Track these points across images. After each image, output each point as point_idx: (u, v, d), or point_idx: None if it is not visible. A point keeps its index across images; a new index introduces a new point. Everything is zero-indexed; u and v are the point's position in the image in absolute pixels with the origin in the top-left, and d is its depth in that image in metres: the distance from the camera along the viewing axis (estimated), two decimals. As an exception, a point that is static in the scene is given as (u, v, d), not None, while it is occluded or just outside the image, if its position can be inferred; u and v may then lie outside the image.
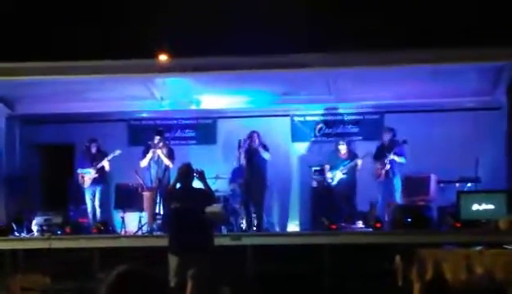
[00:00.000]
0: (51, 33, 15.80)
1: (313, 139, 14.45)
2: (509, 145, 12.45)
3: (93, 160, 13.04)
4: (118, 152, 12.92)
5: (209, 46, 13.84)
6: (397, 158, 12.57)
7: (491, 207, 11.16)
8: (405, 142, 12.51)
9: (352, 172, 12.96)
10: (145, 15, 16.19)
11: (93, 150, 13.14)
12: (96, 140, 13.25)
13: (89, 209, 13.03)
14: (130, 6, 16.05)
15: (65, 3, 16.02)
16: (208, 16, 15.66)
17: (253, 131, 12.75)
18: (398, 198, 12.62)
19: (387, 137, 12.85)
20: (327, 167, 13.10)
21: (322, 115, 14.46)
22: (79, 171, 13.16)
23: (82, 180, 13.05)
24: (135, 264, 2.77)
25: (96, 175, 13.00)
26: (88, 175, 12.98)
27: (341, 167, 12.94)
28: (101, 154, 13.11)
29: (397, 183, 12.67)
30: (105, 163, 12.98)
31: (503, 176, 12.53)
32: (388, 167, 12.59)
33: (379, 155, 12.77)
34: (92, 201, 13.05)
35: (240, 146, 12.71)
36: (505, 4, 14.56)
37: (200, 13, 15.65)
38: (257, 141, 12.65)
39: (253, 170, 12.64)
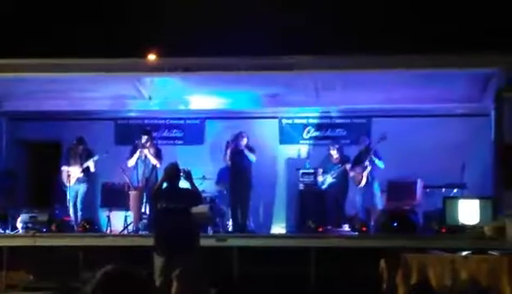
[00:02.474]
0: (40, 31, 15.75)
1: (301, 142, 14.45)
2: (496, 152, 12.49)
3: (79, 159, 12.98)
4: (98, 156, 12.93)
5: (199, 46, 13.84)
6: (376, 161, 12.61)
7: (476, 213, 11.19)
8: (384, 138, 12.50)
9: (342, 177, 12.98)
10: (136, 15, 16.17)
11: (79, 150, 13.07)
12: (84, 141, 13.17)
13: (71, 208, 12.92)
14: (121, 5, 16.02)
15: (56, 2, 15.98)
16: (199, 17, 15.65)
17: (241, 132, 12.80)
18: (378, 203, 12.66)
19: (364, 144, 12.90)
20: (320, 170, 13.12)
21: (310, 118, 14.47)
22: (64, 167, 13.07)
23: (67, 179, 12.95)
24: (120, 263, 2.76)
25: (81, 175, 12.95)
26: (73, 173, 12.90)
27: (332, 172, 12.97)
28: (87, 153, 13.06)
29: (377, 188, 12.73)
30: (91, 164, 12.95)
31: (489, 183, 12.56)
32: (369, 169, 12.63)
33: (358, 161, 12.81)
34: (74, 199, 12.97)
35: (227, 147, 12.77)
36: (494, 11, 14.65)
37: (191, 13, 15.64)
38: (244, 142, 12.71)
39: (238, 171, 12.69)
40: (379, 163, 12.65)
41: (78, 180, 12.97)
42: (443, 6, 15.45)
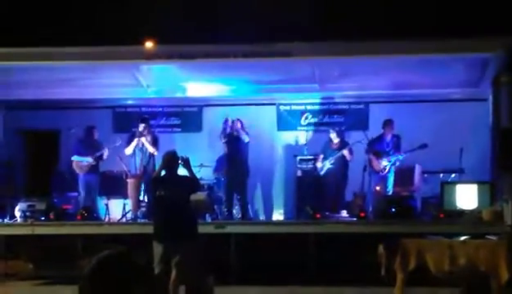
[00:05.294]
0: (37, 18, 15.72)
1: (299, 128, 14.44)
2: (494, 137, 12.50)
3: (91, 148, 12.94)
4: (119, 142, 12.91)
5: (196, 33, 13.82)
6: (401, 157, 12.54)
7: (474, 197, 11.19)
8: (424, 146, 12.21)
9: (341, 162, 12.91)
10: (132, 2, 16.14)
11: (95, 136, 13.08)
12: (95, 126, 13.17)
13: (82, 196, 12.92)
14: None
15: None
16: (195, 4, 15.63)
17: (236, 119, 12.77)
18: (390, 189, 12.60)
19: (390, 131, 12.70)
20: (321, 156, 13.07)
21: (308, 104, 14.45)
22: (75, 158, 13.01)
23: (78, 168, 12.92)
24: (118, 249, 2.75)
25: (95, 163, 12.92)
26: (86, 163, 12.87)
27: (330, 158, 12.92)
28: (98, 142, 13.05)
29: (392, 176, 12.65)
30: (106, 152, 12.91)
31: (487, 167, 12.58)
32: (397, 164, 12.55)
33: (383, 151, 12.62)
34: (89, 188, 12.95)
35: (225, 126, 12.78)
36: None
37: (187, 0, 15.62)
38: (238, 126, 12.71)
39: (234, 157, 12.67)
40: (401, 157, 12.60)
41: (92, 170, 12.94)
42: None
